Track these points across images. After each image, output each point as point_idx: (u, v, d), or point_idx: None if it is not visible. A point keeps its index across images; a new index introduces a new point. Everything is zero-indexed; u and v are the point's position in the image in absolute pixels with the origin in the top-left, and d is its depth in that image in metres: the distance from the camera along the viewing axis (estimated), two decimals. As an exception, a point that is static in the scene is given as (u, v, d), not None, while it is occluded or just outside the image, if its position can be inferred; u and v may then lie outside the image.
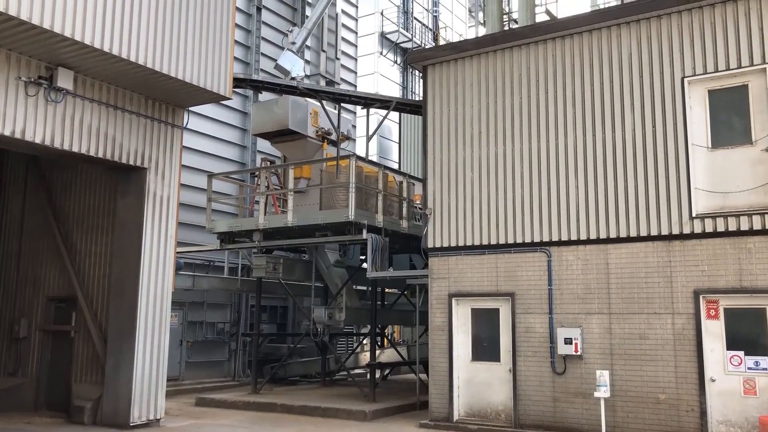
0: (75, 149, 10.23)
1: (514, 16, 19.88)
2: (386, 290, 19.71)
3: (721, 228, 9.96)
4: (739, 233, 9.83)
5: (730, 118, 10.22)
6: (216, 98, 11.64)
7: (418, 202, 16.29)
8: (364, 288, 18.53)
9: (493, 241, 11.81)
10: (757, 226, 9.71)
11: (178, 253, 13.55)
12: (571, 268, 11.08)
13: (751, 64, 10.02)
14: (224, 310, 19.39)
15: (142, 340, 11.13)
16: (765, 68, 9.91)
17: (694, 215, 10.16)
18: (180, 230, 15.67)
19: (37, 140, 9.74)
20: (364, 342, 20.20)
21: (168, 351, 11.65)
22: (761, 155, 9.85)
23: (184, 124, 12.13)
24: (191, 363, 18.11)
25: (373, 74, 30.14)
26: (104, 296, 12.06)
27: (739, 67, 10.10)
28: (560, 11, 22.17)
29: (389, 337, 23.18)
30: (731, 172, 10.04)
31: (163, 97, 11.43)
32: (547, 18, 19.36)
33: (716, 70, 10.27)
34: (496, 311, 11.70)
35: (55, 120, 9.95)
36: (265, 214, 14.96)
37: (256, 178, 17.55)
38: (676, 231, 10.28)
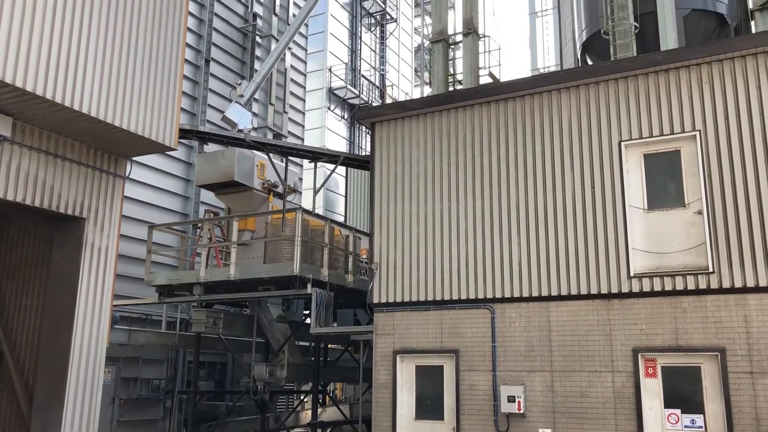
0: (10, 197, 9.86)
1: (459, 77, 20.49)
2: (329, 346, 19.43)
3: (657, 287, 10.26)
4: (674, 293, 10.15)
5: (664, 181, 10.66)
6: (161, 149, 11.47)
7: (364, 256, 16.27)
8: (307, 344, 18.21)
9: (438, 297, 11.84)
10: (690, 286, 10.04)
11: (114, 306, 13.09)
12: (514, 325, 11.17)
13: (683, 131, 10.54)
14: (160, 365, 18.69)
15: (72, 399, 10.58)
16: (695, 135, 10.44)
17: (632, 274, 10.45)
18: (117, 282, 15.15)
19: (-31, 187, 9.36)
20: (306, 400, 19.74)
21: (99, 409, 11.11)
22: (694, 218, 10.28)
23: (127, 174, 11.89)
24: (123, 422, 17.27)
25: (320, 128, 30.41)
26: (33, 352, 11.46)
27: (672, 133, 10.61)
28: (503, 74, 22.97)
29: (331, 395, 22.72)
30: (666, 233, 10.41)
31: (106, 147, 11.20)
32: (490, 80, 20.04)
33: (651, 135, 10.75)
34: (441, 368, 11.64)
35: (-10, 167, 9.60)
36: (206, 267, 14.65)
37: (198, 230, 17.25)
38: (615, 290, 10.53)
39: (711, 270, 9.95)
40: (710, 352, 9.78)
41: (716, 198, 10.16)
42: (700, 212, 10.23)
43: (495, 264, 11.51)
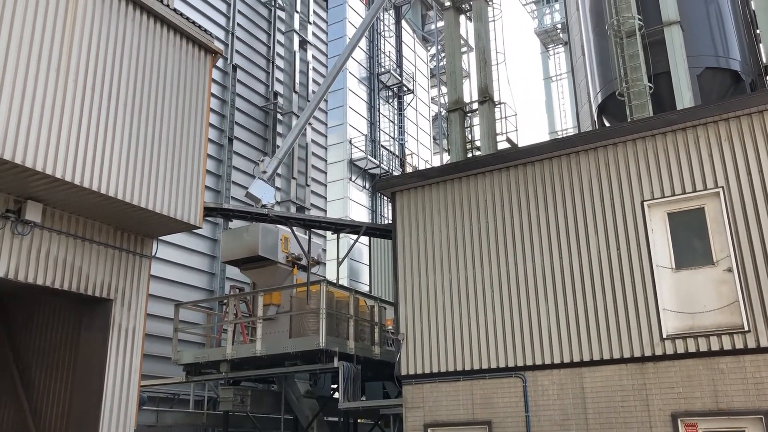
0: (40, 282, 10.03)
1: (477, 143, 20.72)
2: (359, 420, 19.01)
3: (692, 348, 9.98)
4: (710, 353, 9.85)
5: (691, 240, 10.52)
6: (187, 228, 11.66)
7: (390, 326, 16.10)
8: (336, 419, 17.85)
9: (468, 367, 11.61)
10: (727, 346, 9.75)
11: (142, 386, 13.03)
12: (547, 394, 10.88)
13: (705, 188, 10.47)
14: (189, 446, 18.38)
15: (100, 485, 10.43)
16: (719, 192, 10.35)
17: (664, 336, 10.19)
18: (144, 362, 15.13)
19: (0, 273, 9.54)
20: (337, 477, 19.17)
21: (127, 495, 10.90)
22: (724, 275, 10.07)
23: (153, 254, 12.05)
24: (151, 506, 16.88)
25: (342, 199, 30.74)
26: (61, 436, 11.40)
27: (695, 190, 10.54)
28: (521, 139, 23.22)
29: (363, 471, 22.05)
30: (697, 292, 10.20)
31: (133, 228, 11.41)
32: (508, 146, 20.21)
33: (673, 194, 10.69)
34: (473, 441, 11.31)
35: (21, 253, 9.81)
36: (233, 344, 14.60)
37: (224, 306, 17.27)
38: (648, 353, 10.25)
39: (747, 329, 9.68)
40: (753, 415, 9.40)
41: (745, 254, 9.97)
42: (729, 269, 10.03)
43: (524, 331, 11.31)
